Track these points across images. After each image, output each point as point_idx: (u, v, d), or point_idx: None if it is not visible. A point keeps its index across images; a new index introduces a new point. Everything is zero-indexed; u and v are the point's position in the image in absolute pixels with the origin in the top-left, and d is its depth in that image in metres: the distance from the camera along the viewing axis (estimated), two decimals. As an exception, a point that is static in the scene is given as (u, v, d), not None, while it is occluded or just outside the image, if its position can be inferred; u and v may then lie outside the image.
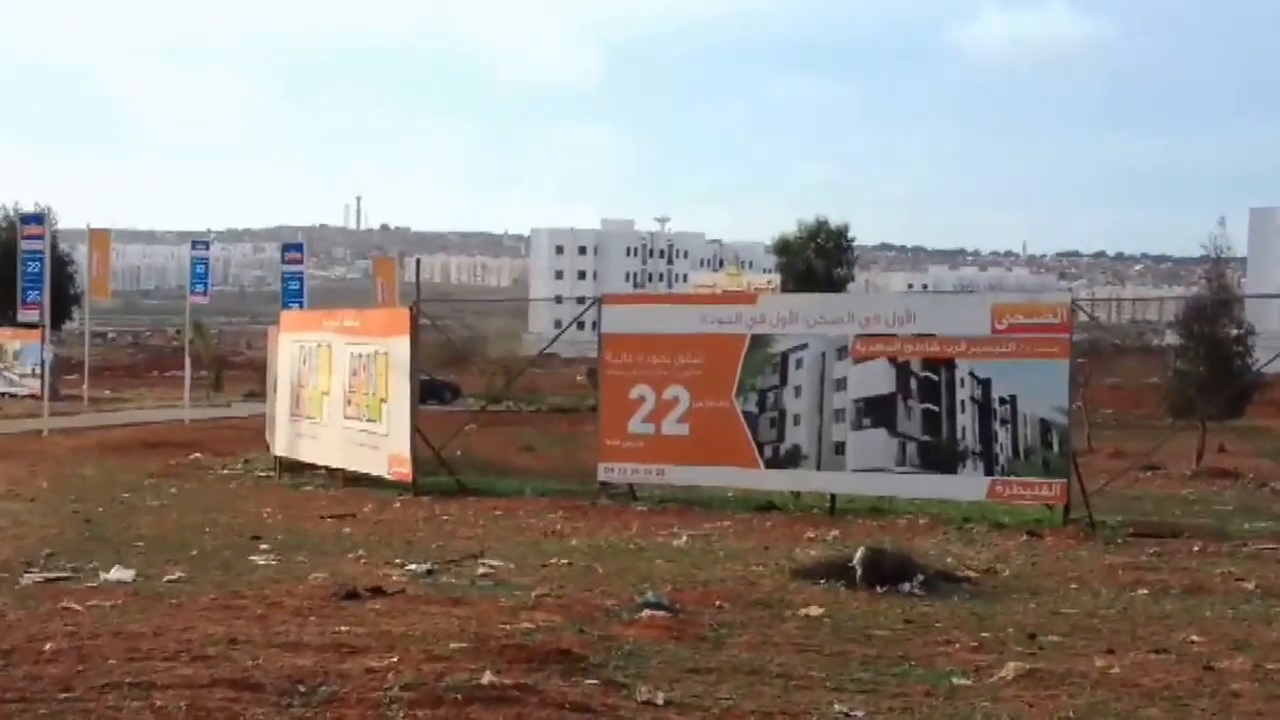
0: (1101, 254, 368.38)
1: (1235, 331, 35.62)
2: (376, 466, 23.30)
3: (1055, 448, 18.54)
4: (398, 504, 21.24)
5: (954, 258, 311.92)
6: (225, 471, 27.18)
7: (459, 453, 25.71)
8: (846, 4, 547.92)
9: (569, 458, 24.51)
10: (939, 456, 19.00)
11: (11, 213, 60.70)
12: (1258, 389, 38.06)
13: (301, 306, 39.10)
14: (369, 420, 23.64)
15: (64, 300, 57.17)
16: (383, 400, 23.23)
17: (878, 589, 12.77)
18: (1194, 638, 10.81)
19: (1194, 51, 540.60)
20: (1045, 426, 18.53)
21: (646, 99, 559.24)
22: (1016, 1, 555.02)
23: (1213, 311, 35.25)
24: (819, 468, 19.77)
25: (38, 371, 44.10)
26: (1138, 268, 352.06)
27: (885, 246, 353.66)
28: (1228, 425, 34.52)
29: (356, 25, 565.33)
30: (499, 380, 45.32)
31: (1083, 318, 21.41)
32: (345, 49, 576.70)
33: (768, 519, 19.19)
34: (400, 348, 22.84)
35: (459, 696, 8.01)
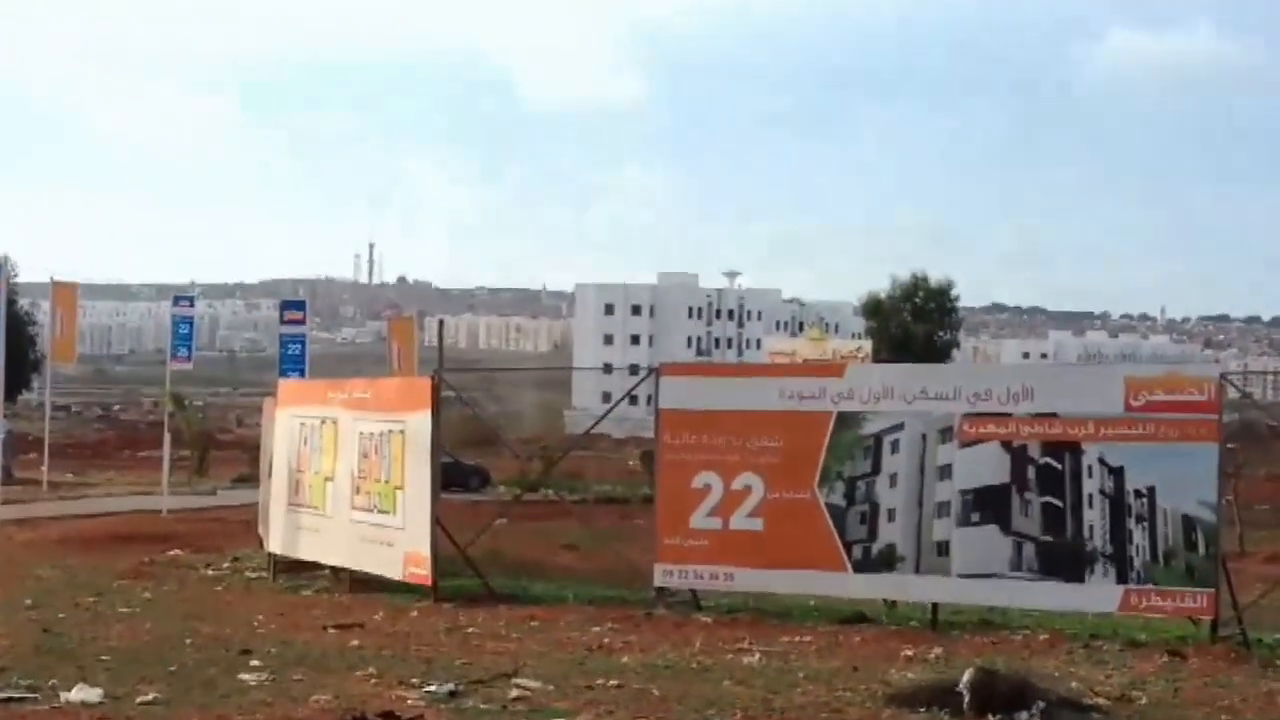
0: (1255, 319, 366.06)
1: None
2: (390, 567, 23.32)
3: (1201, 550, 18.37)
4: (415, 612, 21.23)
5: (1079, 321, 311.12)
6: (210, 572, 27.27)
7: (488, 551, 25.68)
8: (947, 22, 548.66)
9: (619, 558, 24.41)
10: (1062, 560, 18.86)
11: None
12: None
13: (302, 375, 39.26)
14: (381, 511, 23.67)
15: (21, 366, 57.66)
16: (398, 488, 23.27)
17: (989, 719, 12.66)
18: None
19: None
20: (1189, 525, 18.38)
21: (711, 133, 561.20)
22: (1151, 18, 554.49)
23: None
24: (918, 572, 19.67)
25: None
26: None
27: (996, 308, 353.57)
28: None
29: (364, 46, 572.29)
30: (536, 464, 45.37)
31: (1233, 394, 21.25)
32: (352, 73, 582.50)
33: (856, 633, 19.08)
34: (419, 425, 22.90)
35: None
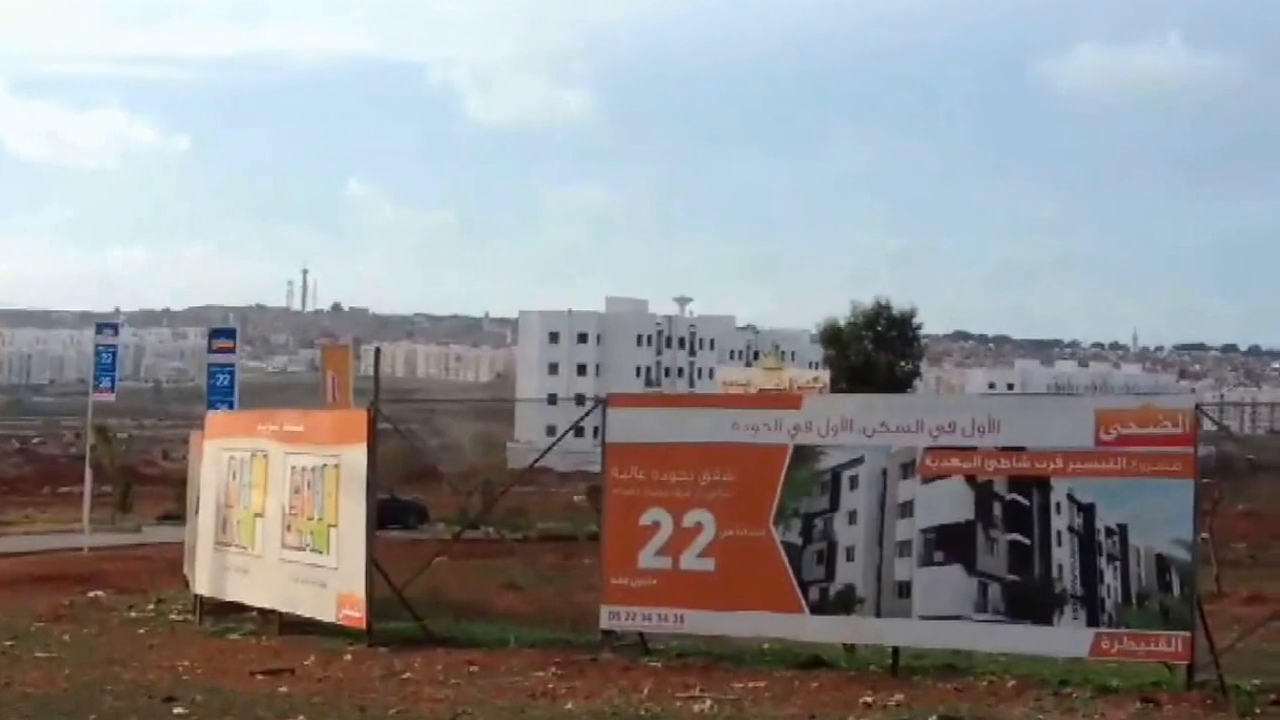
0: (1232, 347, 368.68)
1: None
2: (322, 609, 23.21)
3: (1176, 591, 18.41)
4: (348, 656, 21.13)
5: (1047, 350, 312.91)
6: (133, 614, 27.11)
7: (426, 592, 25.56)
8: (911, 38, 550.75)
9: (564, 599, 24.35)
10: (1030, 601, 18.88)
11: None
12: None
13: (231, 406, 39.11)
14: (314, 550, 23.58)
15: (-65, 397, 57.29)
16: (331, 525, 23.18)
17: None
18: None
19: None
20: (1163, 564, 18.42)
21: (663, 151, 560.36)
22: (1120, 32, 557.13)
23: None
24: (878, 614, 19.64)
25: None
26: (1277, 365, 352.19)
27: (961, 335, 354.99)
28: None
29: (298, 62, 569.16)
30: (477, 500, 45.18)
31: (1209, 426, 21.35)
32: (285, 91, 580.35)
33: (813, 678, 19.06)
34: (354, 459, 22.82)
35: None
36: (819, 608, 19.94)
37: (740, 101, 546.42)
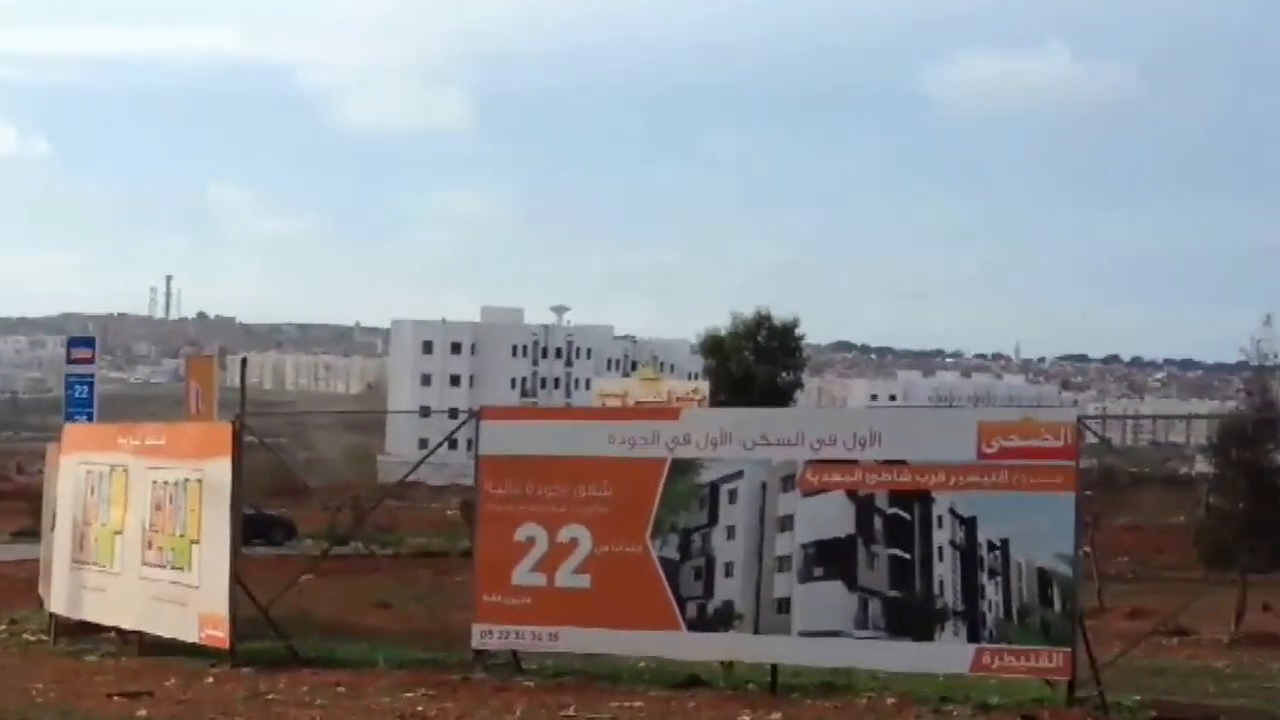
0: (1114, 358, 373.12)
1: (1283, 458, 36.13)
2: (184, 628, 23.01)
3: (1058, 606, 18.58)
4: (210, 678, 20.98)
5: (930, 361, 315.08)
6: (-16, 634, 26.73)
7: (293, 610, 25.41)
8: (793, 44, 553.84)
9: (435, 617, 24.26)
10: (911, 617, 18.99)
11: None
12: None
13: (90, 419, 38.65)
14: (175, 568, 23.38)
15: None
16: (194, 541, 22.99)
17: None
18: None
19: (1236, 109, 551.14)
20: (1045, 579, 18.58)
21: (539, 157, 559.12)
22: (1005, 40, 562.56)
23: (1255, 433, 35.74)
24: (757, 631, 19.70)
25: None
26: (1160, 376, 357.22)
27: (843, 346, 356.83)
28: (1275, 578, 34.99)
29: (163, 62, 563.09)
30: (346, 515, 44.97)
31: (1091, 439, 21.60)
32: (150, 92, 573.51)
33: (691, 697, 19.09)
34: (218, 473, 22.65)
35: None
36: (697, 625, 19.96)
37: (617, 108, 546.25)
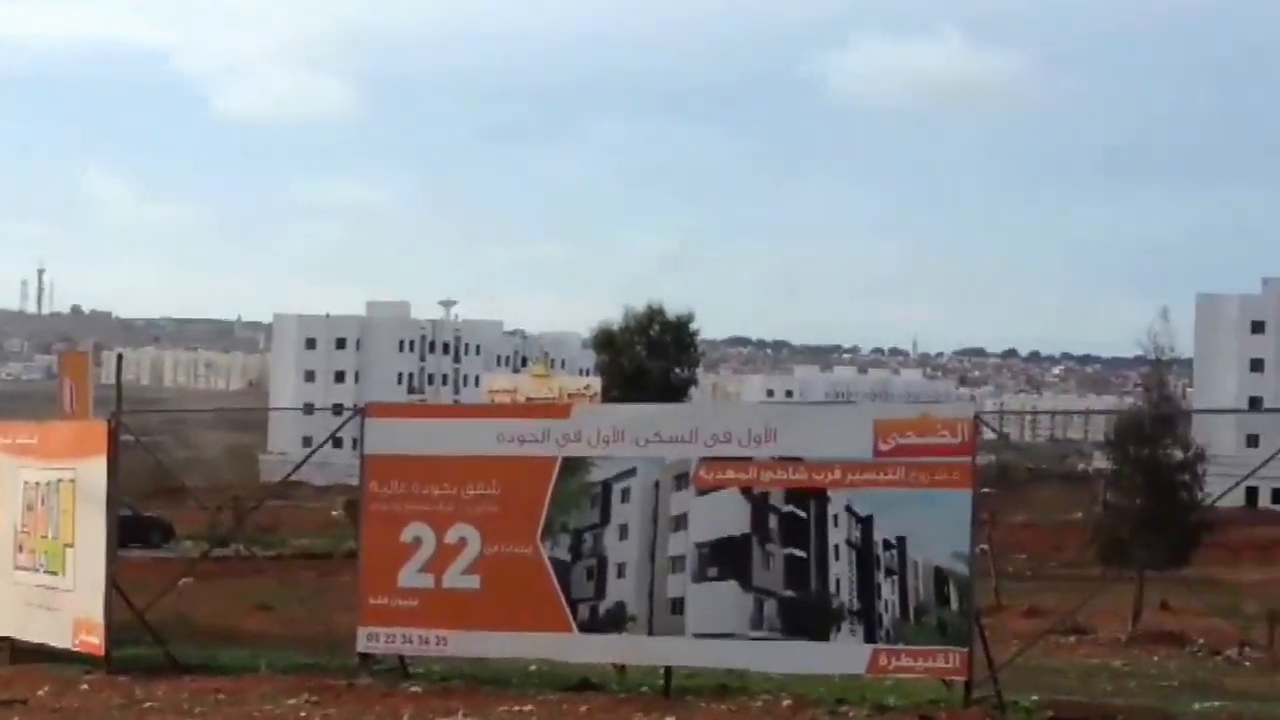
0: (1012, 353, 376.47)
1: (1181, 455, 36.51)
2: (57, 634, 22.76)
3: (954, 605, 18.70)
4: (85, 685, 20.77)
5: (826, 356, 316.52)
6: None
7: (171, 615, 25.21)
8: (685, 30, 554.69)
9: (319, 620, 24.15)
10: (806, 618, 19.07)
11: None
12: (1208, 529, 38.99)
13: (-41, 417, 38.29)
14: (48, 571, 23.15)
15: None
16: (67, 544, 22.77)
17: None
18: None
19: (1135, 97, 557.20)
20: (942, 578, 18.71)
21: (426, 147, 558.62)
22: (899, 26, 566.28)
23: (1152, 429, 36.09)
24: (650, 632, 19.72)
25: None
26: (1057, 371, 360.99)
27: (738, 341, 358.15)
28: (1172, 575, 35.41)
29: (32, 45, 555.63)
30: (227, 516, 44.66)
31: (989, 435, 21.75)
32: (18, 77, 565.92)
33: (583, 701, 19.09)
34: (93, 473, 22.42)
35: None
36: (589, 626, 19.97)
37: (508, 96, 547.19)
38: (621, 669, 20.56)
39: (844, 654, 18.98)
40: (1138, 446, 35.78)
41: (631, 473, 19.95)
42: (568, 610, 20.04)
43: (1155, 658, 26.92)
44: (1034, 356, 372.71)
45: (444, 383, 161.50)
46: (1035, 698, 18.91)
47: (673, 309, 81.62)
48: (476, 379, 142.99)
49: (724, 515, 19.47)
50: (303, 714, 18.22)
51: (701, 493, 19.60)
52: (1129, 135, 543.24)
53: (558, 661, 20.68)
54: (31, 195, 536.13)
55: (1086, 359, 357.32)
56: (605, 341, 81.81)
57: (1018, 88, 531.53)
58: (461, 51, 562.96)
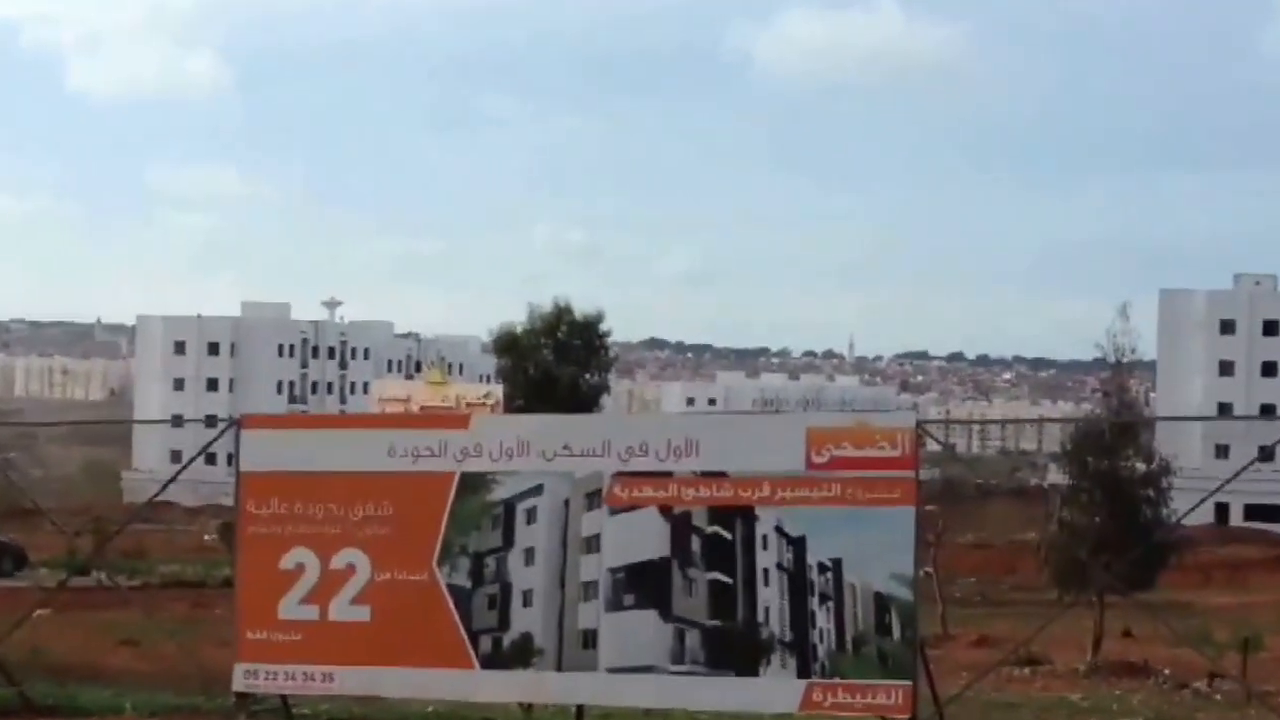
0: (958, 356, 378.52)
1: (1144, 468, 36.74)
2: (-103, 673, 22.58)
3: (896, 634, 18.76)
4: (-72, 730, 20.59)
5: (753, 360, 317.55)
6: None
7: (25, 650, 25.05)
8: (594, 5, 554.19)
9: (191, 656, 24.07)
10: (733, 650, 19.07)
11: None
12: (1175, 549, 39.29)
13: None
14: (-114, 603, 22.94)
15: None
16: (-92, 573, 22.60)
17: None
18: None
19: (1093, 78, 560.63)
20: (882, 604, 18.75)
21: (306, 131, 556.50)
22: (828, 1, 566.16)
23: (1112, 439, 36.32)
24: (560, 667, 19.67)
25: None
26: (1008, 376, 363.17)
27: (655, 343, 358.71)
28: (1134, 600, 35.62)
29: None
30: (86, 541, 44.43)
31: (933, 447, 21.90)
32: None
33: (485, 744, 19.07)
34: (-64, 494, 22.27)
35: None
36: (491, 661, 19.89)
37: (394, 77, 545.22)
38: (528, 708, 20.59)
39: (775, 690, 18.97)
40: (1096, 458, 35.96)
41: (538, 490, 19.89)
42: (468, 643, 19.96)
43: (1117, 691, 27.09)
44: (982, 360, 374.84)
45: (329, 391, 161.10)
46: (986, 735, 19.03)
47: (580, 308, 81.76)
48: (365, 386, 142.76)
49: (641, 537, 19.43)
50: (173, 761, 18.14)
51: (615, 512, 19.56)
52: (1089, 119, 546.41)
53: (458, 700, 20.66)
54: None
55: (1040, 363, 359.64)
56: (508, 345, 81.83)
57: (961, 66, 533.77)
58: (341, 26, 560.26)
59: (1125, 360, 37.79)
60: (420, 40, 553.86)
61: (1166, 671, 29.41)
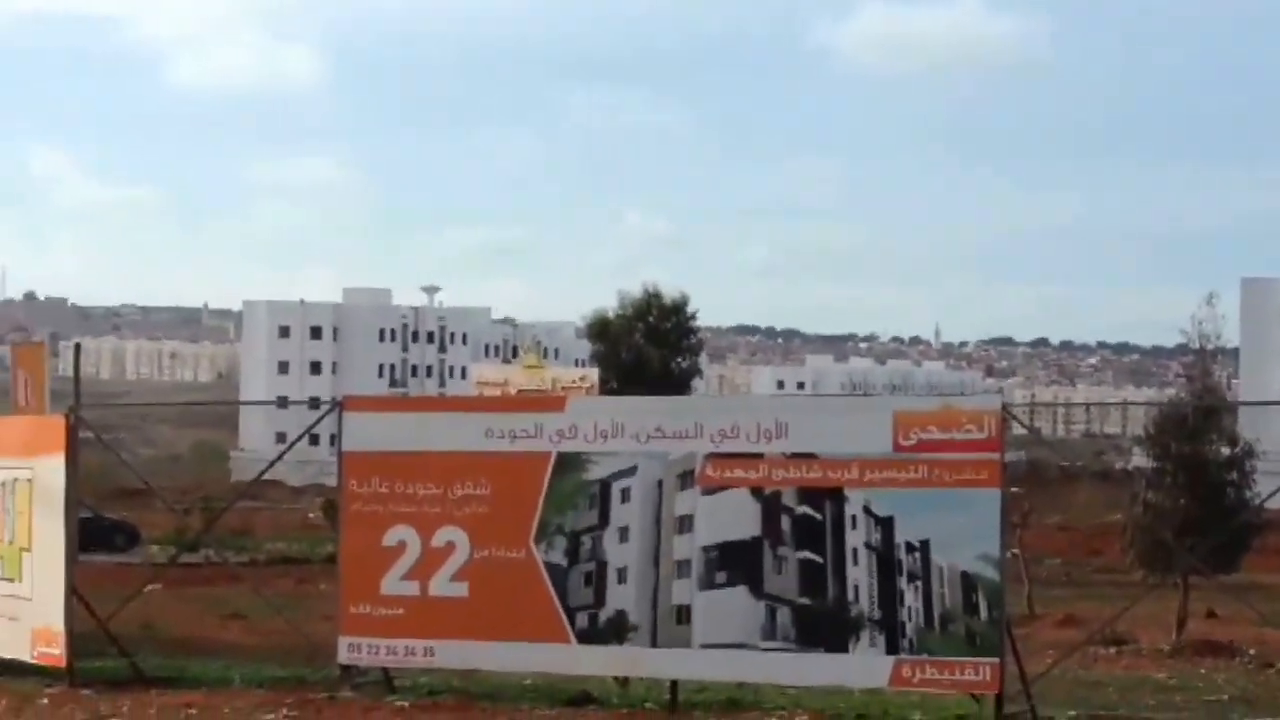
0: (1043, 341, 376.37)
1: (1227, 451, 36.43)
2: (15, 646, 22.78)
3: (984, 614, 18.69)
4: (45, 700, 20.81)
5: (841, 345, 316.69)
6: None
7: (137, 624, 25.25)
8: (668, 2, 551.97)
9: (296, 630, 24.17)
10: (823, 627, 19.05)
11: None
12: (1258, 531, 38.91)
13: (-94, 412, 38.33)
14: (4, 579, 23.14)
15: None
16: (24, 549, 22.77)
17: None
18: None
19: (1175, 67, 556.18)
20: (969, 584, 18.69)
21: (403, 123, 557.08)
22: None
23: (1196, 423, 36.02)
24: (654, 643, 19.71)
25: None
26: (1092, 361, 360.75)
27: (745, 329, 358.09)
28: (1218, 581, 35.35)
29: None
30: (195, 519, 44.73)
31: (1019, 430, 21.80)
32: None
33: (581, 716, 19.12)
34: (50, 472, 22.42)
35: None
36: (587, 636, 19.95)
37: (486, 70, 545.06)
38: (624, 682, 20.59)
39: (864, 666, 18.96)
40: (1180, 442, 35.65)
41: (632, 471, 19.92)
42: (565, 619, 20.03)
43: (1202, 670, 26.91)
44: (1067, 346, 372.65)
45: (428, 374, 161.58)
46: (1072, 713, 18.94)
47: (669, 294, 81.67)
48: (463, 370, 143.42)
49: (733, 517, 19.44)
50: (280, 731, 18.24)
51: (708, 492, 19.58)
52: (1172, 108, 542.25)
53: (554, 674, 20.70)
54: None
55: (1124, 348, 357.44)
56: (600, 329, 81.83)
57: (1038, 56, 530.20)
58: (433, 18, 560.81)
59: (1210, 347, 37.43)
60: (513, 32, 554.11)
61: (1251, 651, 29.19)
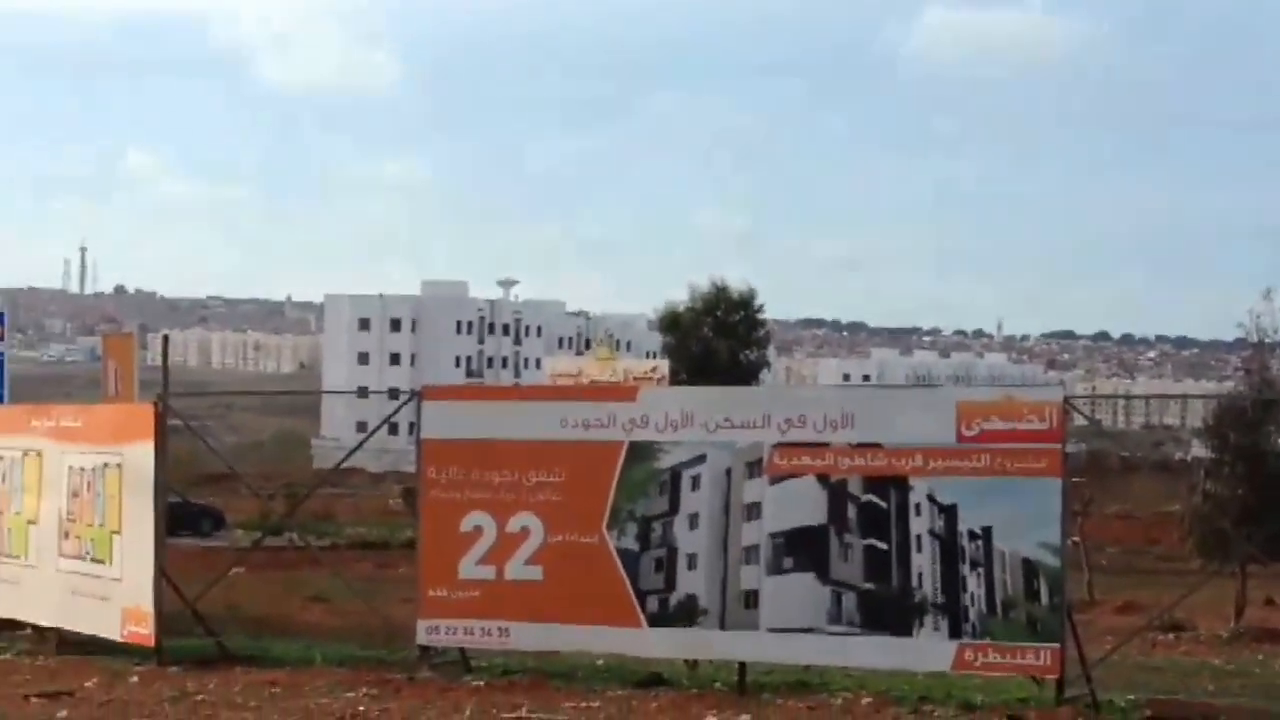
0: (1103, 335, 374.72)
1: (1286, 442, 36.26)
2: (105, 625, 22.93)
3: (1045, 600, 18.67)
4: (135, 677, 20.92)
5: (906, 338, 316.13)
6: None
7: (223, 605, 25.39)
8: (745, 3, 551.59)
9: (376, 612, 24.28)
10: (887, 612, 19.05)
11: None
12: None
13: (0, 401, 38.56)
14: (95, 560, 23.29)
15: None
16: (114, 532, 22.91)
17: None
18: None
19: (1239, 69, 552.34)
20: (1031, 570, 18.66)
21: (480, 122, 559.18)
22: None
23: (1255, 415, 35.84)
24: (723, 626, 19.75)
25: None
26: (1152, 354, 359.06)
27: (811, 323, 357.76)
28: (1276, 570, 35.19)
29: (63, 9, 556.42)
30: (279, 504, 44.90)
31: (1079, 421, 21.74)
32: (50, 43, 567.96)
33: (652, 698, 19.12)
34: (140, 458, 22.56)
35: None
36: (658, 620, 20.00)
37: (565, 70, 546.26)
38: (693, 664, 20.62)
39: (928, 649, 18.96)
40: (1239, 433, 35.51)
41: (701, 459, 19.95)
42: (636, 603, 20.09)
43: (1260, 656, 26.78)
44: (1127, 339, 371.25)
45: (504, 366, 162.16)
46: (1131, 697, 18.85)
47: (736, 288, 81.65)
48: (538, 362, 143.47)
49: (799, 504, 19.46)
50: (361, 708, 18.31)
51: (775, 480, 19.59)
52: (1233, 107, 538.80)
53: (626, 656, 20.75)
54: (72, 172, 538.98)
55: (1183, 341, 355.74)
56: (671, 322, 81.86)
57: (1102, 57, 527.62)
58: (513, 20, 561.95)
59: (1268, 340, 37.24)
60: (589, 34, 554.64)
61: (1307, 638, 29.06)
